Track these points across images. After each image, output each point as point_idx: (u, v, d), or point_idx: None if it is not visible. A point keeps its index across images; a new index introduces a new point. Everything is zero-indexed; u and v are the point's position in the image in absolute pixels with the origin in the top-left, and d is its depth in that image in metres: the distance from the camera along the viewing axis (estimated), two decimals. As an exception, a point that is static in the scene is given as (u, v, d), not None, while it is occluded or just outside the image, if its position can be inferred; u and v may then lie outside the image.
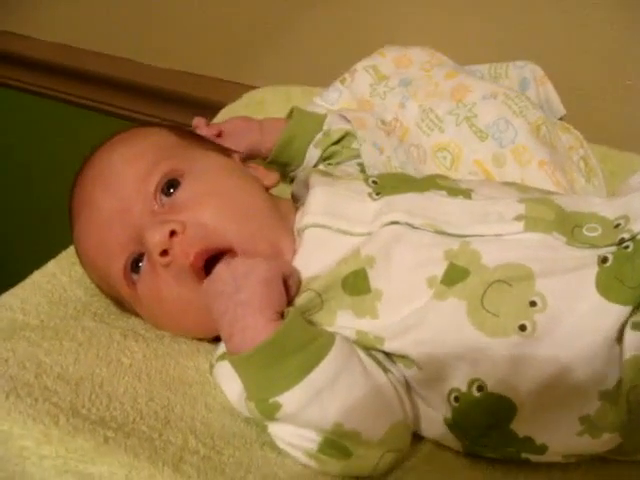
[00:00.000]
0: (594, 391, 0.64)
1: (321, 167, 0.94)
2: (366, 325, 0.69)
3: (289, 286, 0.70)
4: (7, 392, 0.65)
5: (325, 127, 0.96)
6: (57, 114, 1.68)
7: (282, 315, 0.67)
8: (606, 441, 0.65)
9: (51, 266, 0.88)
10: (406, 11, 1.24)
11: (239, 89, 1.23)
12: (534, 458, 0.68)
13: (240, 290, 0.67)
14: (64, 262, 0.88)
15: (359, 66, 1.03)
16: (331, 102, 1.03)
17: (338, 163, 0.95)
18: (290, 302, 0.70)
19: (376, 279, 0.69)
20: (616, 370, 0.63)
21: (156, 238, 0.70)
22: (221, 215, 0.74)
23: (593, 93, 1.16)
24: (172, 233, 0.71)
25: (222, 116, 1.17)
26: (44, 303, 0.81)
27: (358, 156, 0.94)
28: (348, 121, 0.95)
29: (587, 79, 1.16)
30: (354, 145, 0.95)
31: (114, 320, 0.81)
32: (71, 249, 0.87)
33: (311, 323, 0.69)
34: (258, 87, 1.22)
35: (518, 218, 0.70)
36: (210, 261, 0.72)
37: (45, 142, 1.75)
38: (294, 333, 0.64)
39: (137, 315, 0.81)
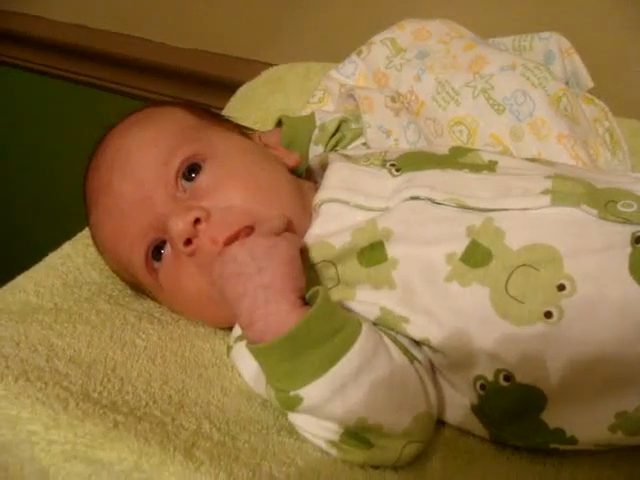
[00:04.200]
0: (633, 386, 0.61)
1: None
2: (386, 298, 0.66)
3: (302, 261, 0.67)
4: (17, 376, 0.64)
5: (318, 122, 0.93)
6: (69, 94, 1.67)
7: (304, 297, 0.64)
8: None
9: (66, 248, 0.87)
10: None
11: (258, 67, 1.21)
12: (563, 447, 0.65)
13: (261, 271, 0.63)
14: (79, 244, 0.87)
15: (376, 39, 1.01)
16: (347, 75, 1.01)
17: (344, 147, 0.92)
18: None
19: (393, 250, 0.67)
20: None
21: (180, 226, 0.68)
22: (246, 197, 0.71)
23: (623, 65, 1.11)
24: (196, 221, 0.68)
25: (241, 94, 1.15)
26: (58, 285, 0.80)
27: (361, 134, 0.91)
28: (354, 100, 0.92)
29: (616, 50, 1.11)
30: (353, 126, 0.92)
31: (129, 302, 0.80)
32: (87, 231, 0.85)
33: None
34: (277, 64, 1.19)
35: (545, 192, 0.66)
36: None
37: (57, 122, 1.74)
38: (319, 323, 0.61)
39: (155, 299, 0.79)
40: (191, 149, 0.73)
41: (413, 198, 0.69)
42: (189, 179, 0.72)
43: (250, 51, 1.40)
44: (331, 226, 0.70)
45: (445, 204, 0.68)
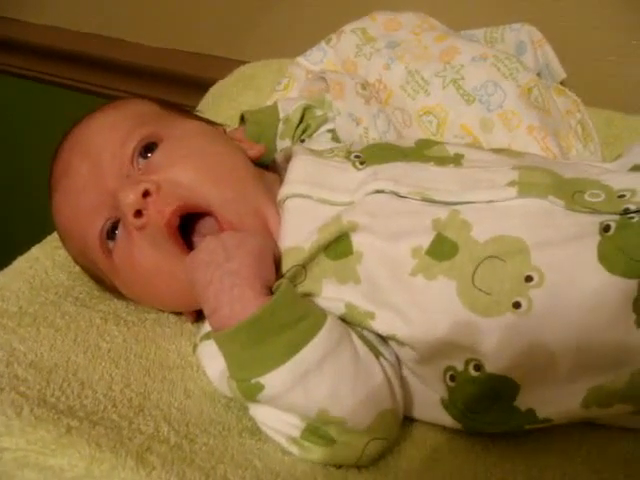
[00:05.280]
0: (604, 371, 0.61)
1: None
2: (351, 293, 0.66)
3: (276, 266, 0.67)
4: (-28, 382, 0.63)
5: (282, 115, 0.92)
6: (43, 95, 1.66)
7: (271, 291, 0.63)
8: (615, 409, 0.62)
9: (35, 251, 0.85)
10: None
11: (231, 65, 1.19)
12: (538, 426, 0.64)
13: (230, 259, 0.64)
14: (48, 247, 0.86)
15: (347, 28, 1.00)
16: (314, 62, 1.00)
17: (310, 136, 0.91)
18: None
19: (358, 242, 0.66)
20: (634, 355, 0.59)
21: (130, 198, 0.68)
22: (198, 175, 0.71)
23: (596, 54, 1.10)
24: (146, 193, 0.68)
25: (213, 92, 1.14)
26: (25, 289, 0.79)
27: (326, 121, 0.90)
28: (325, 81, 0.91)
29: (589, 40, 1.10)
30: (318, 112, 0.91)
31: (96, 304, 0.78)
32: (56, 234, 0.84)
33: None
34: (249, 62, 1.19)
35: (511, 184, 0.65)
36: (187, 227, 0.70)
37: (29, 123, 1.74)
38: (283, 310, 0.61)
39: (118, 294, 0.78)
40: (148, 129, 0.73)
41: (378, 191, 0.68)
42: (145, 157, 0.72)
43: (223, 49, 1.39)
44: (297, 226, 0.69)
45: (409, 197, 0.67)
